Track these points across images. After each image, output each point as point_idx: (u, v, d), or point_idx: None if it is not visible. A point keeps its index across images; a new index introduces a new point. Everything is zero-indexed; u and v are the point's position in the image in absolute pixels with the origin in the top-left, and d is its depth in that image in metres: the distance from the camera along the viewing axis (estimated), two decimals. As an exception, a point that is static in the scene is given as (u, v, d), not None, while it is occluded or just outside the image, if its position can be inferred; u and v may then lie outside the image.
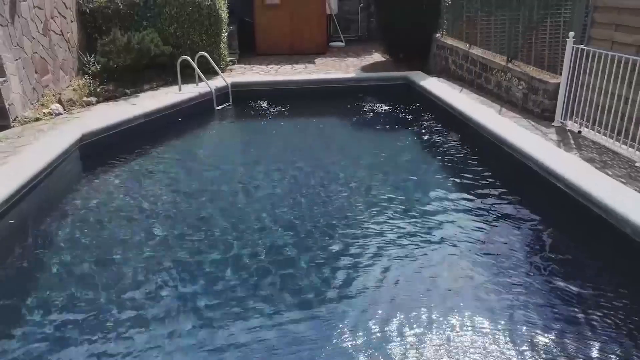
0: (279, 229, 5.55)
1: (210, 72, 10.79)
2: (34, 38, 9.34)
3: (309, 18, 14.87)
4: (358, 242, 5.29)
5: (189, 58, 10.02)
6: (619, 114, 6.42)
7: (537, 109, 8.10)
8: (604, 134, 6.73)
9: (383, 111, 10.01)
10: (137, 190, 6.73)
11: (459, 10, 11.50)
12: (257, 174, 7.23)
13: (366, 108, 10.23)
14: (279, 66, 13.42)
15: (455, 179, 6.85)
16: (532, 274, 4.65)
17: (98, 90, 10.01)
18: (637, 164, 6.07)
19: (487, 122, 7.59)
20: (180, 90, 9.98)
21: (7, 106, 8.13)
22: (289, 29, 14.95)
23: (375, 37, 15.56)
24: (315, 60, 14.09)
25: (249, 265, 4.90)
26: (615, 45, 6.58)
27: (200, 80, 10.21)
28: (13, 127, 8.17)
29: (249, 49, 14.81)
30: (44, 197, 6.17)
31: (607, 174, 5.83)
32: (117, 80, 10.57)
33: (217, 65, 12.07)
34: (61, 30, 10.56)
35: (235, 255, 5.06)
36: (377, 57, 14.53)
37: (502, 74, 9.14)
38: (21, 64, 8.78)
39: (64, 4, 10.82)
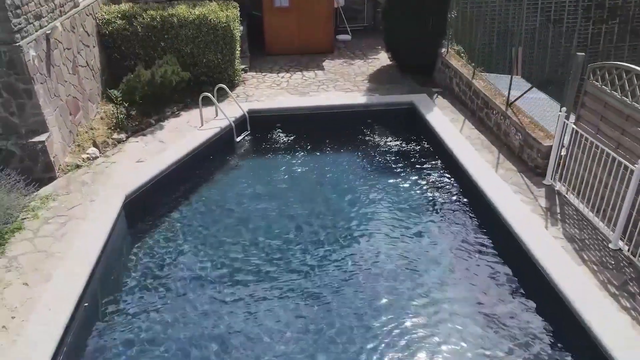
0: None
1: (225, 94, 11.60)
2: (66, 81, 10.01)
3: (316, 18, 15.24)
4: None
5: (210, 95, 10.73)
6: (599, 194, 7.38)
7: (531, 163, 9.00)
8: (586, 206, 7.71)
9: (388, 145, 10.88)
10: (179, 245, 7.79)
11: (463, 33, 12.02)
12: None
13: (371, 138, 11.12)
14: (289, 74, 14.01)
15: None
16: None
17: (125, 121, 10.77)
18: (610, 245, 7.10)
19: (479, 178, 8.55)
20: (202, 125, 10.76)
21: (52, 160, 8.99)
22: (297, 30, 15.36)
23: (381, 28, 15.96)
24: (324, 65, 14.65)
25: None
26: (601, 132, 7.41)
27: (220, 109, 10.99)
28: (58, 177, 9.07)
29: (258, 44, 15.35)
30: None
31: (583, 258, 6.90)
32: (141, 105, 11.27)
33: (232, 81, 12.77)
34: (86, 61, 11.16)
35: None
36: (383, 58, 15.04)
37: (502, 117, 9.94)
38: (59, 113, 9.54)
39: (87, 32, 11.34)
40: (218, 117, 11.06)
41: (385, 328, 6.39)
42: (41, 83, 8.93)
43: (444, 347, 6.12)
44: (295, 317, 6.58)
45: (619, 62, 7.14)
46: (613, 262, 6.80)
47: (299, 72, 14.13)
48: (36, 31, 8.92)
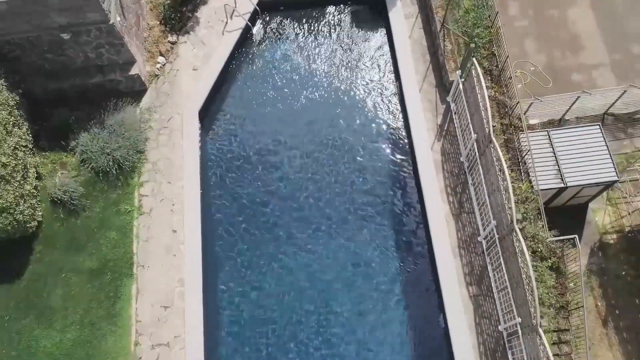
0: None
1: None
2: (130, 7, 13.96)
3: None
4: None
5: None
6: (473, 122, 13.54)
7: (446, 82, 14.44)
8: (459, 130, 13.90)
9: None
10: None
11: None
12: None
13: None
14: None
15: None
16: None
17: (168, 12, 14.82)
18: (461, 158, 13.73)
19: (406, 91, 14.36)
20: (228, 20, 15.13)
21: (142, 78, 14.18)
22: None
23: None
24: None
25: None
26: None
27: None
28: (149, 87, 14.41)
29: None
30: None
31: (444, 167, 13.70)
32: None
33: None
34: (132, -30, 14.44)
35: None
36: None
37: (441, 29, 14.58)
38: (135, 39, 14.05)
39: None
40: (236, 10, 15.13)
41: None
42: (125, 34, 13.33)
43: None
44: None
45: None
46: (457, 170, 13.63)
47: None
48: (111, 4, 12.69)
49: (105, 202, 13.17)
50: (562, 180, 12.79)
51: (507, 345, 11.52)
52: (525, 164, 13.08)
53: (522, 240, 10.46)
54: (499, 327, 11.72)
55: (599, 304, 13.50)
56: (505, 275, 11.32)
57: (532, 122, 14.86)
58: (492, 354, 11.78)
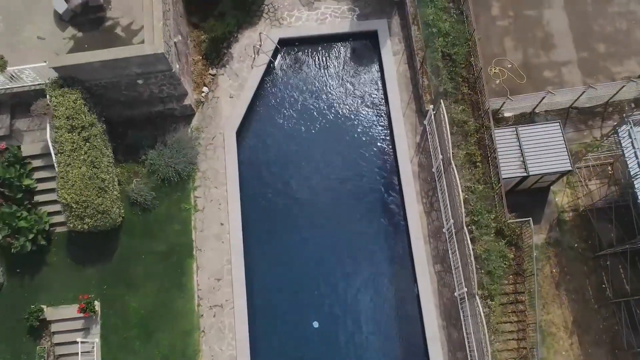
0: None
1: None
2: (180, 48, 18.20)
3: None
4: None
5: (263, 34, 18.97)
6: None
7: (424, 106, 18.92)
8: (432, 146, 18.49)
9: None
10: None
11: None
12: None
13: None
14: None
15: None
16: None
17: (208, 48, 19.14)
18: (433, 169, 18.37)
19: (394, 119, 18.87)
20: (256, 56, 19.40)
21: (192, 105, 18.58)
22: None
23: None
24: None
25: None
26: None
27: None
28: (196, 112, 18.82)
29: None
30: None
31: (419, 175, 18.36)
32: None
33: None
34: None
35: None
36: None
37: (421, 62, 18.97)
38: (185, 72, 18.36)
39: (177, -2, 18.28)
40: (261, 48, 19.40)
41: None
42: (181, 75, 17.67)
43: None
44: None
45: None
46: (430, 178, 18.25)
47: None
48: (170, 48, 16.91)
49: (169, 202, 17.85)
50: (526, 170, 16.83)
51: (460, 306, 16.47)
52: (495, 158, 16.83)
53: (467, 235, 15.25)
54: (455, 294, 16.64)
55: (554, 271, 18.05)
56: (458, 258, 16.16)
57: (506, 114, 18.64)
58: (449, 312, 16.74)
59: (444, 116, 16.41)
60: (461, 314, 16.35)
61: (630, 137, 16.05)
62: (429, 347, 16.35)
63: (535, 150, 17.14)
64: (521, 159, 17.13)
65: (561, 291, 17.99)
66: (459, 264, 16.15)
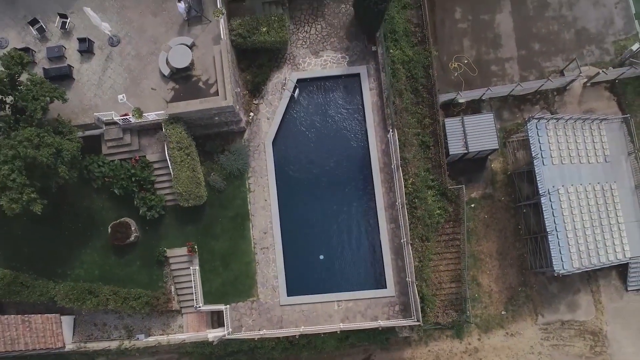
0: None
1: (289, 78, 30.83)
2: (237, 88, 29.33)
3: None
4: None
5: (289, 80, 30.16)
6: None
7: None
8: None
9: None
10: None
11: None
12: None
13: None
14: (309, 34, 31.42)
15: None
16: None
17: (253, 84, 30.26)
18: (393, 164, 30.17)
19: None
20: (283, 90, 30.59)
21: (243, 124, 29.94)
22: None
23: None
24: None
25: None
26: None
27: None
28: (246, 129, 30.20)
29: None
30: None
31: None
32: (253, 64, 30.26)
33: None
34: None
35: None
36: (353, 10, 31.53)
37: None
38: (240, 104, 29.57)
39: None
40: (286, 85, 30.45)
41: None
42: (238, 107, 28.94)
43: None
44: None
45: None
46: (390, 172, 30.15)
47: (313, 32, 31.33)
48: (234, 97, 28.07)
49: (233, 187, 29.75)
50: (467, 148, 28.42)
51: (404, 248, 28.89)
52: (445, 142, 28.50)
53: (405, 207, 27.40)
54: (401, 241, 29.01)
55: (486, 216, 30.18)
56: (401, 221, 28.37)
57: (461, 101, 29.40)
58: (396, 250, 29.18)
59: (395, 140, 28.01)
60: (405, 253, 28.83)
61: (535, 129, 27.16)
62: (385, 269, 29.05)
63: (474, 133, 27.74)
64: (464, 140, 28.33)
65: (490, 230, 29.83)
66: (402, 223, 28.42)
